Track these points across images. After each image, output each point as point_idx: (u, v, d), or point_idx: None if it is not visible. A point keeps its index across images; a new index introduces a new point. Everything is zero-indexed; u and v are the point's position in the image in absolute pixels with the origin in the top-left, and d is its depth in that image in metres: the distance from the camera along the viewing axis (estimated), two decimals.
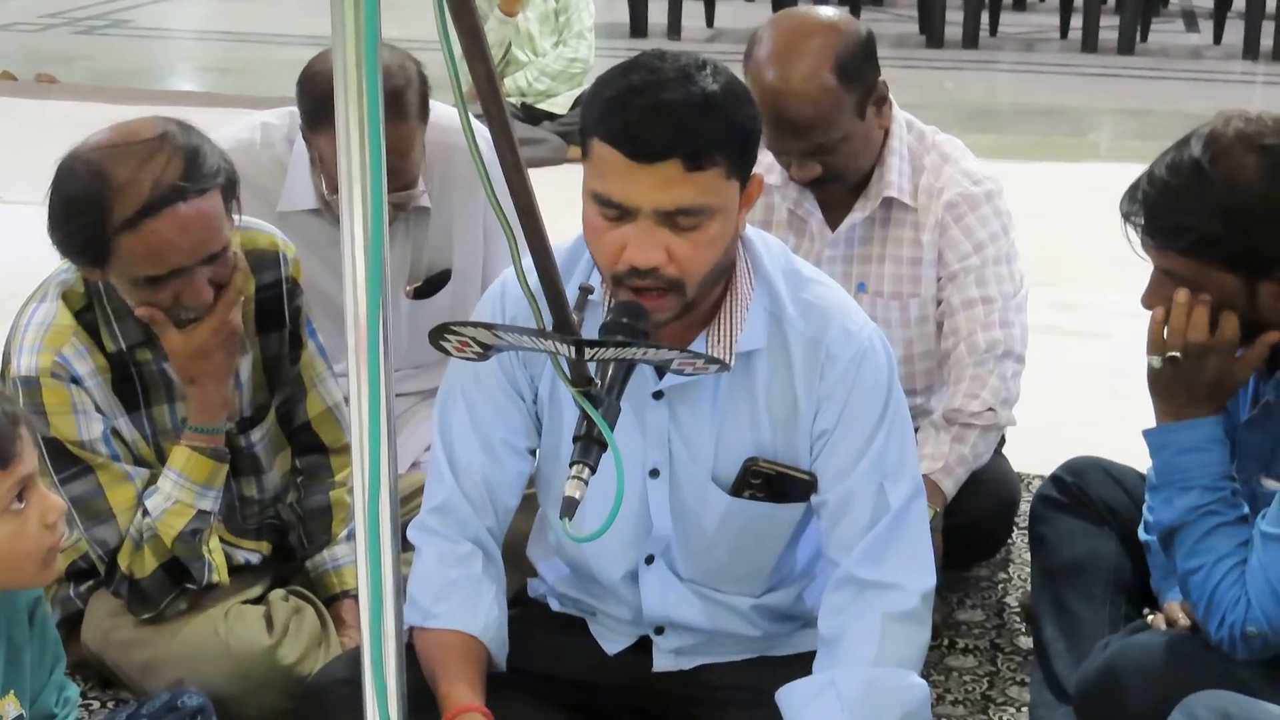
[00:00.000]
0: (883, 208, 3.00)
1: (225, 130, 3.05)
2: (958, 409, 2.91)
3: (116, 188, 2.39)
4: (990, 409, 2.92)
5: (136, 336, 2.57)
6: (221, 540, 2.69)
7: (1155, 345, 2.30)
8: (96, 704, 2.75)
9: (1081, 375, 4.31)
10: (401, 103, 2.92)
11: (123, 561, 2.59)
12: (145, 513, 2.56)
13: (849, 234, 3.03)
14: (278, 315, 2.74)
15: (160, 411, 2.63)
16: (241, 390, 2.71)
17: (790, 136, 2.85)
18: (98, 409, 2.55)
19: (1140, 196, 2.26)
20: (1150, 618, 2.49)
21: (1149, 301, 2.30)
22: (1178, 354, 2.26)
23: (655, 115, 1.96)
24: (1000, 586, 3.25)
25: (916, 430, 2.55)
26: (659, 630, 2.35)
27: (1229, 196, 2.18)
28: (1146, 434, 2.35)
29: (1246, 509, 2.30)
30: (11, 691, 2.07)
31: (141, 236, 2.40)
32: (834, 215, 3.04)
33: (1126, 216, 2.28)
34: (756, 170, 2.10)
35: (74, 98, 8.02)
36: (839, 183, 2.95)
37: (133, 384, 2.60)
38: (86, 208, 2.40)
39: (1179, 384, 2.30)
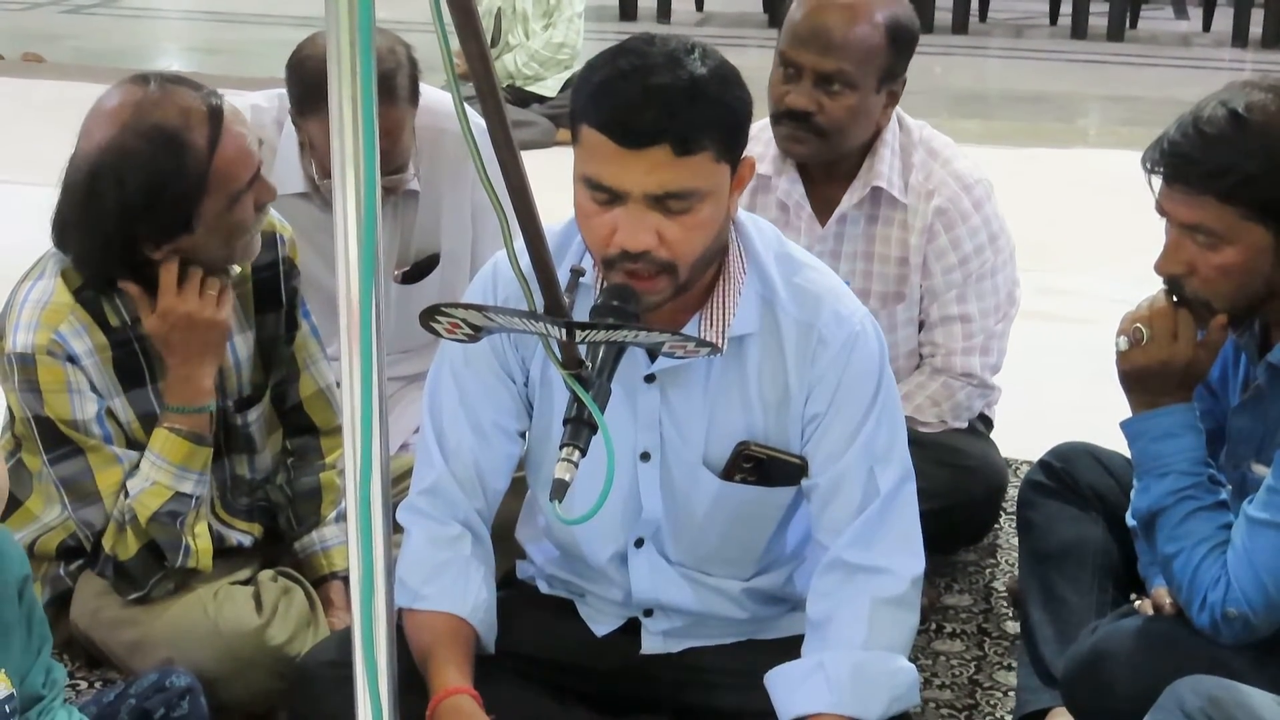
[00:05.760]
0: (871, 201, 3.01)
1: None
2: (909, 416, 2.95)
3: (182, 139, 2.43)
4: (943, 420, 3.05)
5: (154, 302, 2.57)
6: (217, 519, 2.70)
7: (1126, 324, 2.34)
8: (84, 684, 2.75)
9: (1069, 361, 4.31)
10: (392, 86, 2.92)
11: (107, 543, 2.59)
12: (126, 494, 2.56)
13: (838, 229, 3.03)
14: (274, 296, 2.75)
15: (164, 387, 2.63)
16: (240, 369, 2.72)
17: (815, 48, 2.86)
18: (93, 389, 2.55)
19: (1168, 146, 2.24)
20: (1137, 603, 2.50)
21: (1165, 266, 2.29)
22: (1143, 327, 2.29)
23: (643, 101, 1.96)
24: (988, 571, 3.26)
25: None
26: (648, 612, 2.35)
27: (1270, 140, 2.18)
28: (1123, 425, 2.38)
29: (1224, 494, 2.32)
30: (2, 670, 2.06)
31: (223, 158, 2.46)
32: (823, 210, 3.04)
33: (1151, 168, 2.26)
34: (749, 155, 2.10)
35: (60, 77, 8.00)
36: (824, 145, 2.93)
37: (136, 359, 2.59)
38: (168, 173, 2.43)
39: (1148, 378, 2.32)
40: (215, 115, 2.48)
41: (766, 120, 3.01)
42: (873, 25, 2.88)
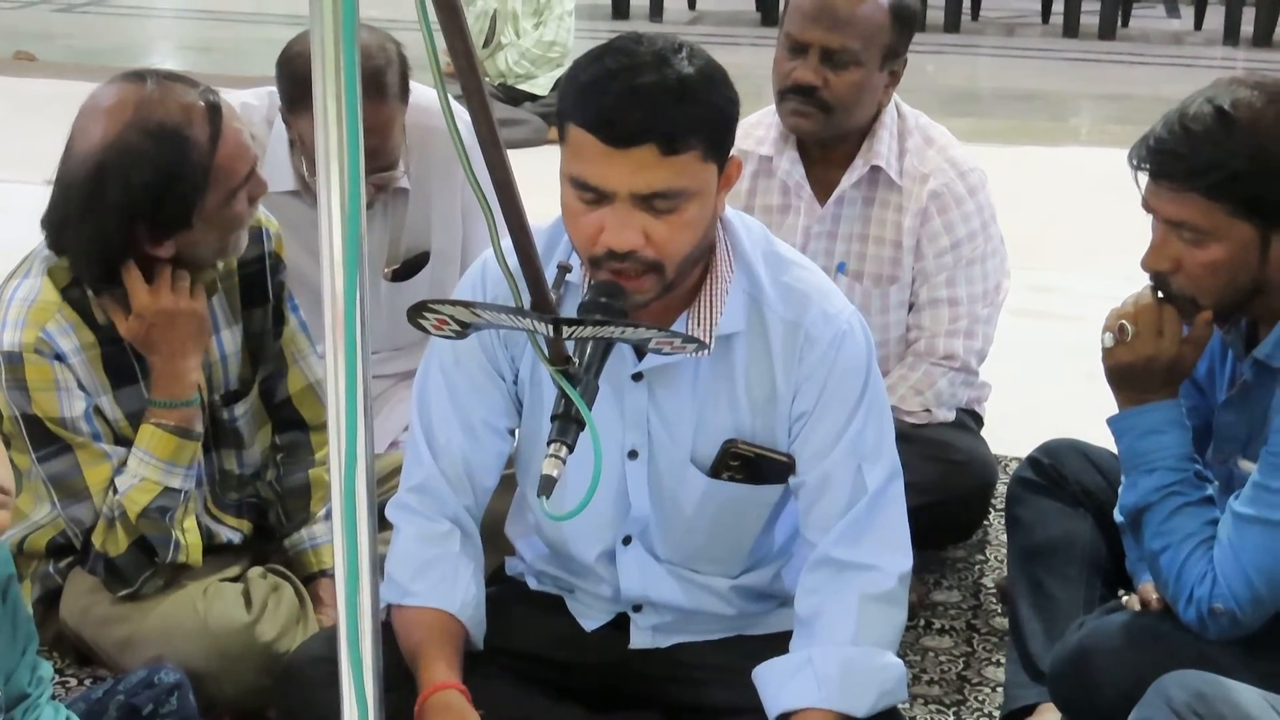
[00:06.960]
0: (869, 183, 3.06)
1: None
2: (894, 406, 2.96)
3: (186, 136, 2.44)
4: (927, 409, 3.07)
5: (129, 307, 2.57)
6: (207, 515, 2.70)
7: (1112, 320, 2.35)
8: (74, 681, 2.75)
9: (1058, 358, 4.33)
10: (381, 83, 2.92)
11: (97, 540, 2.59)
12: (115, 490, 2.56)
13: (836, 209, 3.07)
14: (261, 290, 2.76)
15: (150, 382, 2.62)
16: (227, 364, 2.72)
17: (823, 25, 2.94)
18: (80, 386, 2.55)
19: (1154, 143, 2.24)
20: (1125, 599, 2.51)
21: (1151, 262, 2.29)
22: (1128, 323, 2.29)
23: (630, 100, 1.96)
24: (977, 568, 3.27)
25: None
26: (637, 608, 2.36)
27: (1256, 138, 2.18)
28: (1110, 421, 2.39)
29: (1210, 490, 2.32)
30: None
31: (224, 154, 2.47)
32: (823, 191, 3.08)
33: (1138, 164, 2.26)
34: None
35: (53, 75, 7.99)
36: (828, 121, 2.98)
37: (125, 357, 2.60)
38: (173, 170, 2.43)
39: (1133, 374, 2.33)
40: (215, 111, 2.49)
41: (769, 108, 3.08)
42: (877, 4, 2.97)
